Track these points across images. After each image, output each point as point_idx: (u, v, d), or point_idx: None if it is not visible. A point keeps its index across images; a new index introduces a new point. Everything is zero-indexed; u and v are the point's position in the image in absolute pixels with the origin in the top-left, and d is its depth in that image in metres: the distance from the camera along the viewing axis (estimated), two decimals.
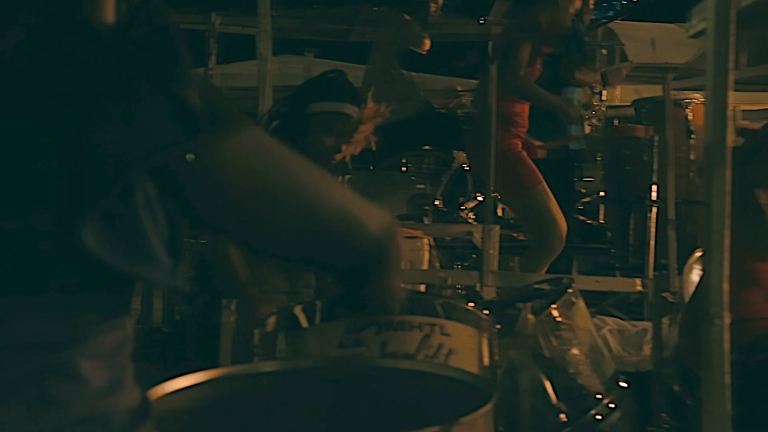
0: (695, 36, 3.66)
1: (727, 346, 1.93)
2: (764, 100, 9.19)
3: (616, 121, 7.03)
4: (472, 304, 3.06)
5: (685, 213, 6.21)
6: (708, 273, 1.95)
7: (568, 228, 6.77)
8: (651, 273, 5.76)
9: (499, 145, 5.36)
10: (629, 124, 6.57)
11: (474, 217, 7.06)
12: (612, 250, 7.20)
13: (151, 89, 1.12)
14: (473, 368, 2.86)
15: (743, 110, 8.30)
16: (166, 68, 1.15)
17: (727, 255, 1.94)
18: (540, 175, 5.92)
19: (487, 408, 1.58)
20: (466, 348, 2.90)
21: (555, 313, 3.53)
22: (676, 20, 13.42)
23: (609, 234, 7.39)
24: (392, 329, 2.76)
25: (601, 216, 7.88)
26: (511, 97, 5.88)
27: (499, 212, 7.18)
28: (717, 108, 1.95)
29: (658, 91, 9.02)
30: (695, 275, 4.55)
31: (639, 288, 5.26)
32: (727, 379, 1.93)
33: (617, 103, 9.23)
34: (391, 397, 1.79)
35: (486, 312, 3.12)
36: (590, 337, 3.68)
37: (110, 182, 1.10)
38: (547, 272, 5.85)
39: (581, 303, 3.70)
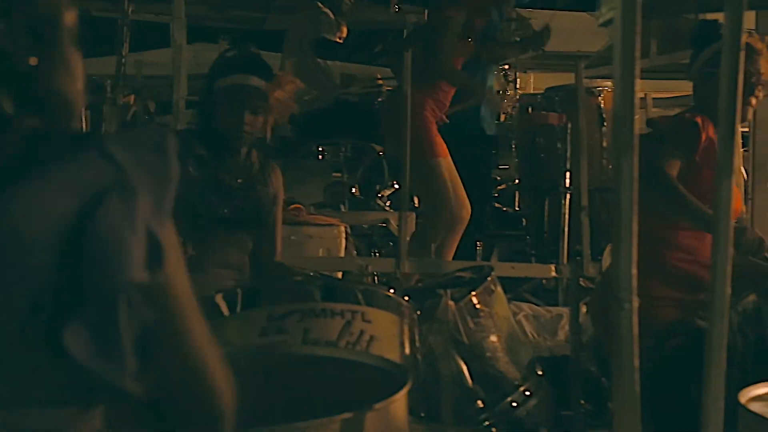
0: (605, 24, 3.72)
1: (635, 329, 1.97)
2: (675, 88, 9.32)
3: (529, 109, 7.09)
4: (392, 291, 3.09)
5: (598, 200, 6.30)
6: (617, 259, 1.99)
7: (485, 215, 6.84)
8: (565, 259, 5.84)
9: (412, 110, 5.34)
10: (543, 112, 6.64)
11: (390, 204, 7.09)
12: (527, 237, 7.28)
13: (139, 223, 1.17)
14: (394, 354, 2.89)
15: (654, 98, 8.43)
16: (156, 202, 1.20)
17: (635, 241, 1.98)
18: (443, 150, 5.94)
19: (401, 395, 1.60)
20: (387, 334, 2.92)
21: (475, 300, 3.57)
22: (588, 9, 13.55)
23: (524, 221, 7.46)
24: (314, 316, 2.77)
25: (517, 203, 7.95)
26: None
27: (416, 201, 7.22)
28: (624, 96, 1.98)
29: (570, 79, 9.13)
30: None
31: (554, 274, 5.33)
32: (636, 363, 1.97)
33: (531, 91, 9.30)
34: (310, 384, 1.81)
35: (406, 298, 3.15)
36: (508, 325, 3.73)
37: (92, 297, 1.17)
38: (463, 259, 5.91)
39: (500, 291, 3.75)
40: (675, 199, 3.73)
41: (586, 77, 10.21)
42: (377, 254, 6.41)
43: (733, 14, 2.13)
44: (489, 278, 3.72)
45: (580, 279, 5.23)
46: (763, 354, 3.35)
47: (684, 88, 9.83)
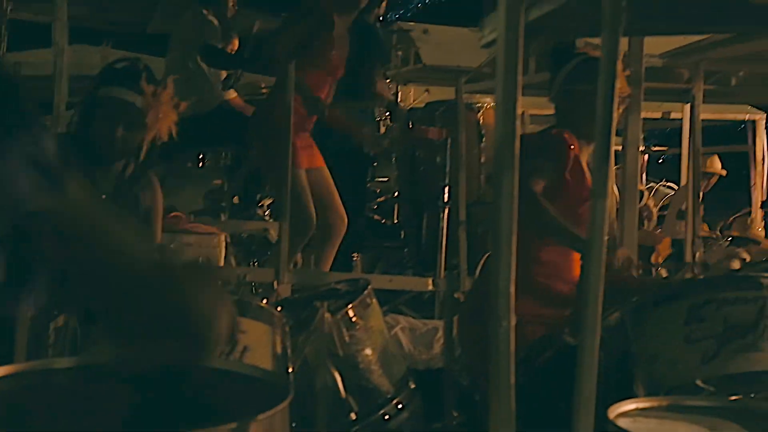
0: (487, 46, 3.77)
1: (512, 346, 2.02)
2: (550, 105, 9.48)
3: (410, 123, 7.13)
4: (265, 301, 3.11)
5: (475, 214, 6.37)
6: (496, 276, 2.03)
7: (362, 226, 6.86)
8: (442, 272, 5.90)
9: (275, 122, 5.29)
10: (424, 127, 6.70)
11: (270, 213, 7.07)
12: (405, 249, 7.34)
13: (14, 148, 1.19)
14: (267, 364, 2.90)
15: (531, 114, 8.58)
16: (24, 125, 1.21)
17: (514, 258, 2.02)
18: (306, 160, 5.91)
19: (284, 405, 1.61)
20: (260, 344, 2.94)
21: (351, 312, 3.60)
22: (468, 24, 13.72)
23: (403, 233, 7.52)
24: None
25: (396, 215, 8.01)
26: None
27: None
28: (506, 114, 2.03)
29: (451, 94, 9.24)
30: None
31: (431, 287, 5.39)
32: (513, 379, 2.02)
33: (411, 104, 9.37)
34: (188, 393, 1.80)
35: (279, 309, 3.16)
36: (383, 338, 3.77)
37: None
38: (340, 270, 5.93)
39: (376, 304, 3.79)
40: (543, 218, 3.80)
41: (466, 92, 10.33)
42: (256, 264, 6.39)
43: (611, 39, 2.19)
44: (365, 291, 3.76)
45: (458, 293, 5.30)
46: (626, 369, 3.43)
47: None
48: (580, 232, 3.86)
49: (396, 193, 7.72)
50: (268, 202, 7.12)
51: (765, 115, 14.25)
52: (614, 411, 2.57)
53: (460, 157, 5.47)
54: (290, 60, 5.37)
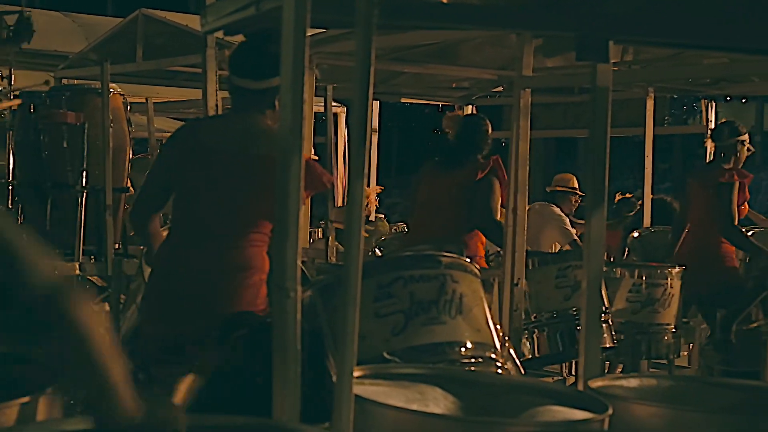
0: (210, 32, 3.79)
1: (299, 316, 2.16)
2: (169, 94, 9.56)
3: (32, 107, 6.89)
4: None
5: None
6: (282, 250, 2.15)
7: None
8: (80, 257, 5.84)
9: None
10: (62, 110, 6.53)
11: None
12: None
13: None
14: None
15: (156, 102, 8.61)
16: None
17: (301, 233, 2.16)
18: None
19: None
20: None
21: None
22: (64, 9, 13.47)
23: (22, 219, 7.29)
24: None
25: (10, 201, 7.74)
26: None
27: None
28: (294, 102, 2.16)
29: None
30: None
31: (77, 272, 5.35)
32: (299, 346, 2.15)
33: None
34: None
35: None
36: None
37: None
38: None
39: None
40: None
41: (64, 77, 10.14)
42: None
43: (364, 34, 2.35)
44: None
45: (95, 277, 5.30)
46: (317, 343, 3.61)
47: (174, 93, 10.13)
48: None
49: (10, 177, 7.46)
50: None
51: (345, 108, 15.01)
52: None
53: (107, 142, 5.46)
54: None
